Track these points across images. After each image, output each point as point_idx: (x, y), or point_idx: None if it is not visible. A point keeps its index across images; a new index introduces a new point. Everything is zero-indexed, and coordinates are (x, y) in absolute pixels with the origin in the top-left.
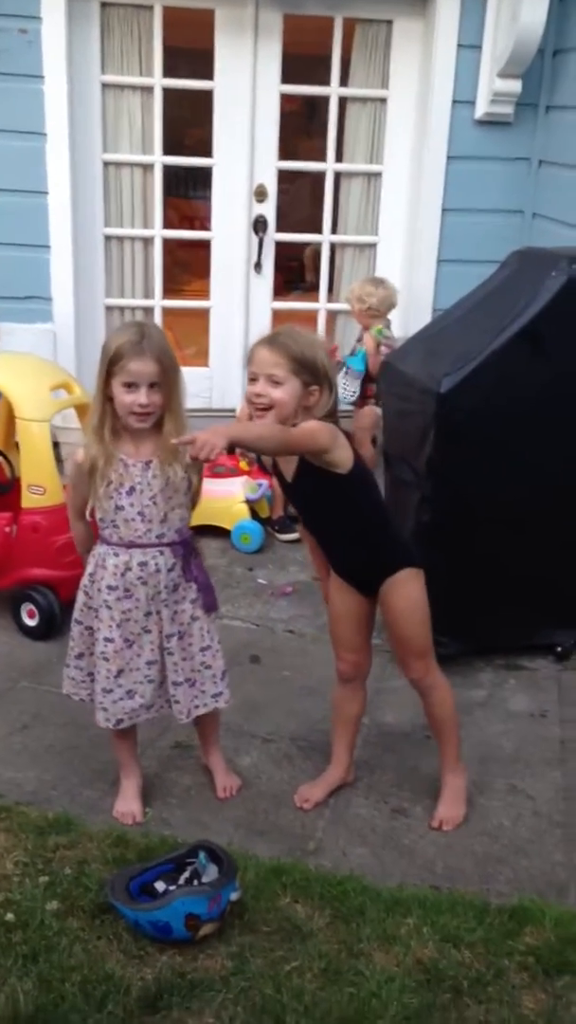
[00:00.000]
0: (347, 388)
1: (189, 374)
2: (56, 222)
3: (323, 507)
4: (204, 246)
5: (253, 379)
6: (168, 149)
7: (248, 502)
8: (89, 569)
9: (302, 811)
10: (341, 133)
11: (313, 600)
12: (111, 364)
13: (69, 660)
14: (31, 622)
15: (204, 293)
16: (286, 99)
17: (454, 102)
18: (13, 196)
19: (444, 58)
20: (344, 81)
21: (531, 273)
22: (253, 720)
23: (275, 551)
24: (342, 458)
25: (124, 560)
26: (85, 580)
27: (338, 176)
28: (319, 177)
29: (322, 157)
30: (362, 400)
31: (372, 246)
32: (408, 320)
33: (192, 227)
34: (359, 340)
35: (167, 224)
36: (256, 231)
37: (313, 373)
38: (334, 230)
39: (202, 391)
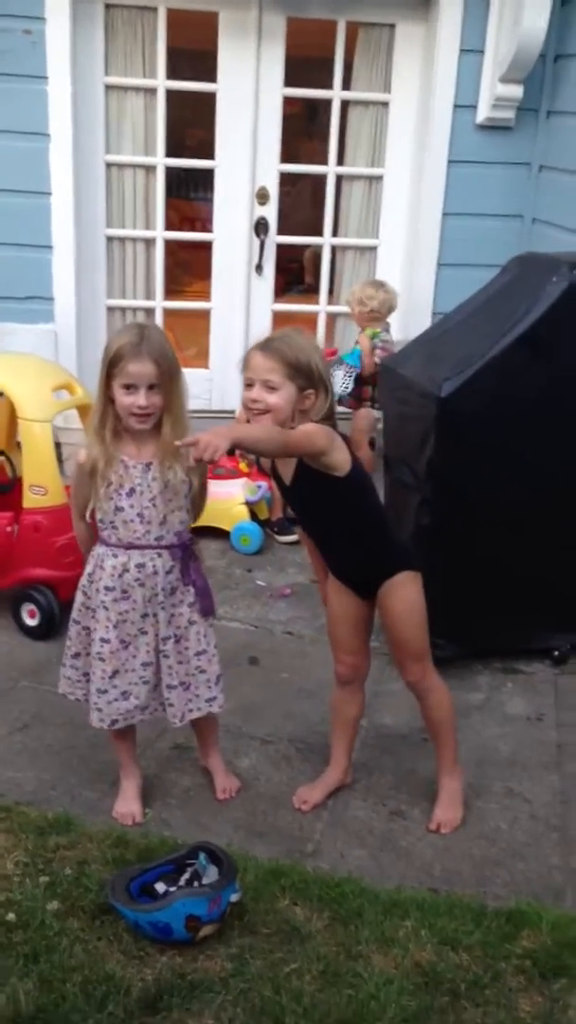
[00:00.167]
0: (341, 382)
1: (189, 375)
2: (58, 223)
3: (321, 510)
4: (205, 247)
5: (249, 385)
6: (170, 151)
7: (247, 504)
8: (88, 569)
9: (300, 813)
10: (343, 136)
11: (311, 602)
12: (111, 366)
13: (66, 659)
14: (31, 622)
15: (205, 294)
16: (288, 102)
17: (455, 106)
18: (16, 196)
19: (446, 62)
20: (346, 84)
21: (532, 279)
22: (252, 722)
23: (274, 553)
24: (339, 461)
25: (122, 561)
26: (84, 580)
27: (339, 179)
28: (320, 180)
29: (323, 160)
30: (358, 403)
31: (373, 249)
32: (408, 323)
33: (193, 228)
34: (357, 343)
35: (168, 225)
36: (257, 233)
37: (308, 377)
38: (335, 233)
39: (202, 392)
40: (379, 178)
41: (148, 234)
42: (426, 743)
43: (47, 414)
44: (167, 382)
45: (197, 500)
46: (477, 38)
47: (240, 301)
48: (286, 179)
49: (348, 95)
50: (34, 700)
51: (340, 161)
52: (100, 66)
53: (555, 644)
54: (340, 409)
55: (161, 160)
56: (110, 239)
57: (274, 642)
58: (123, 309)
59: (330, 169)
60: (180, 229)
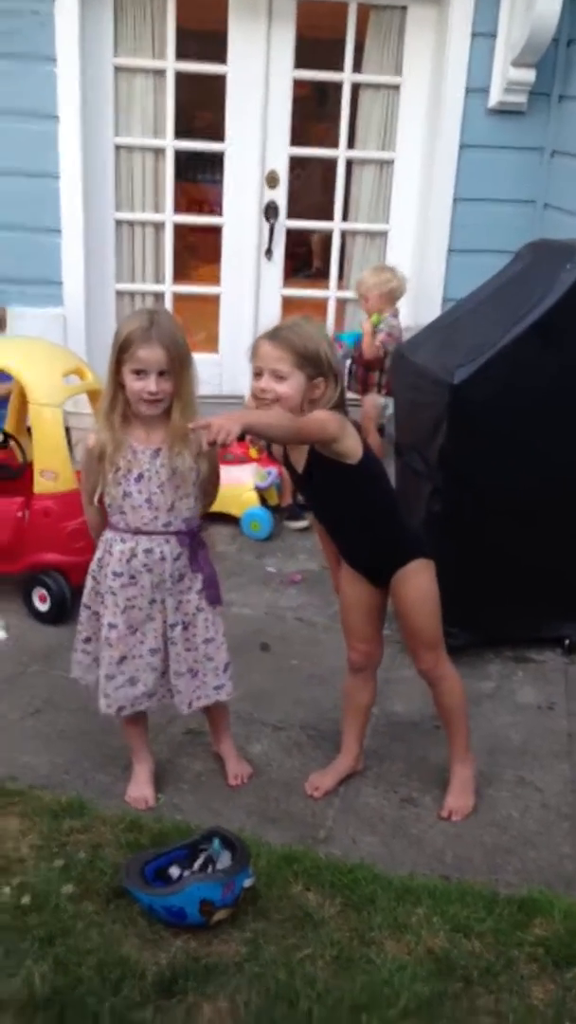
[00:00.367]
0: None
1: (198, 360)
2: (67, 206)
3: (333, 498)
4: (214, 231)
5: (258, 374)
6: (179, 133)
7: (258, 490)
8: (97, 555)
9: (312, 799)
10: (353, 120)
11: (322, 588)
12: (121, 351)
13: (77, 644)
14: (42, 607)
15: (213, 278)
16: (298, 84)
17: (467, 90)
18: (24, 179)
19: (458, 46)
20: (357, 67)
21: (545, 266)
22: (263, 708)
23: (284, 539)
24: (351, 448)
25: (130, 547)
26: (93, 565)
27: (350, 163)
28: (329, 163)
29: (333, 143)
30: (364, 388)
31: (383, 234)
32: (418, 309)
33: (201, 211)
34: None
35: (176, 208)
36: (267, 217)
37: (317, 366)
38: (345, 217)
39: (211, 377)
40: (390, 162)
41: (157, 217)
42: (437, 730)
43: (58, 399)
44: (177, 368)
45: (209, 487)
46: (489, 21)
47: (250, 286)
48: (296, 163)
49: (359, 78)
50: (46, 685)
51: (351, 145)
52: (109, 47)
53: (565, 633)
54: (349, 396)
55: (170, 143)
56: (119, 222)
57: (285, 628)
58: (132, 293)
59: (340, 153)
60: (188, 212)
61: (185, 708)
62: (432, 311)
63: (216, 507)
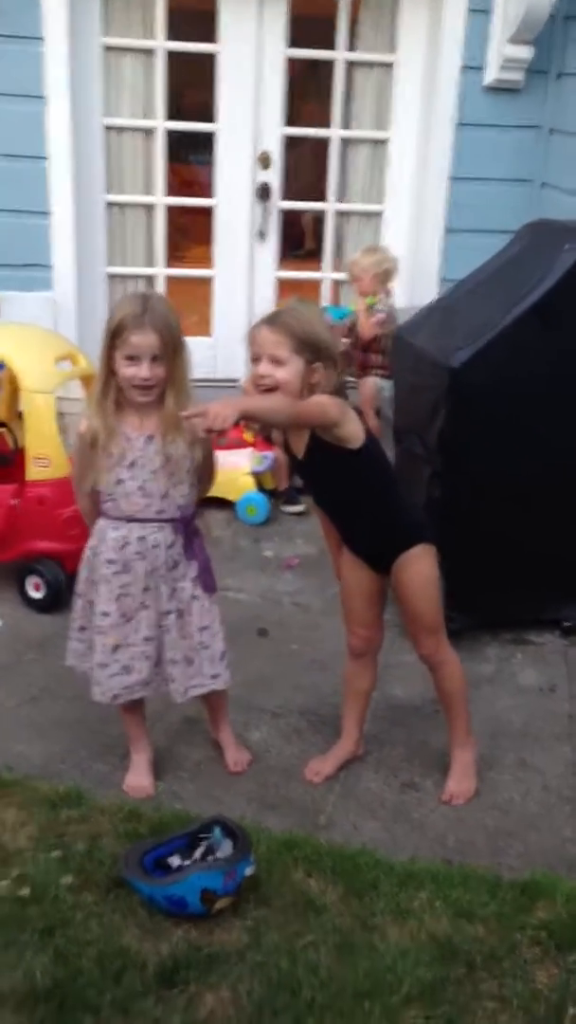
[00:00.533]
0: None
1: (191, 343)
2: (56, 188)
3: (334, 483)
4: (205, 212)
5: (256, 360)
6: (170, 113)
7: (254, 474)
8: (91, 542)
9: (312, 785)
10: (347, 98)
11: (320, 572)
12: (113, 336)
13: (72, 632)
14: (37, 595)
15: (205, 260)
16: (291, 63)
17: (463, 68)
18: (12, 161)
19: (453, 22)
20: (351, 45)
21: (544, 247)
22: (262, 694)
23: (281, 523)
24: (353, 433)
25: (123, 534)
26: (87, 553)
27: (344, 143)
28: (321, 143)
29: (326, 122)
30: (362, 371)
31: (378, 214)
32: (414, 290)
33: (192, 192)
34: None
35: (167, 189)
36: (260, 198)
37: (316, 351)
38: (339, 198)
39: (205, 360)
40: (384, 142)
41: (148, 199)
42: (437, 715)
43: (50, 385)
44: (170, 354)
45: (205, 473)
46: None
47: (243, 268)
48: (289, 143)
49: (352, 56)
50: (42, 673)
51: (345, 124)
52: (98, 27)
53: (565, 615)
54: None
55: (161, 123)
56: (109, 205)
57: (283, 613)
58: (123, 276)
59: (334, 132)
60: (179, 192)
61: (180, 696)
62: (428, 291)
63: (212, 492)
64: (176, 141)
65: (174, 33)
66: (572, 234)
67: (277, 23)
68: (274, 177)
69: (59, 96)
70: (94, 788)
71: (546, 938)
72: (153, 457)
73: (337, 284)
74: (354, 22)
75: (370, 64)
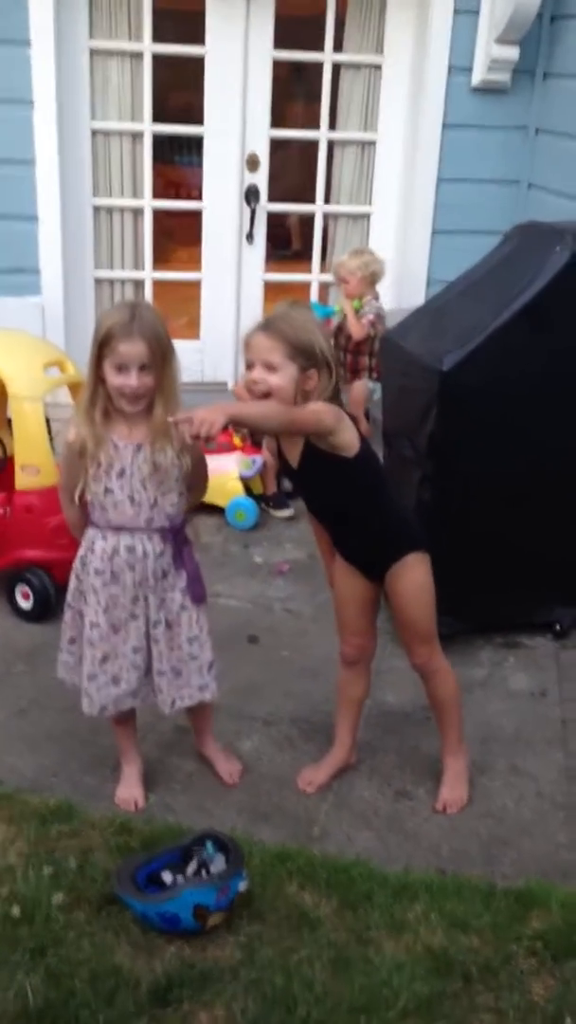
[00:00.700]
0: None
1: (179, 347)
2: (43, 192)
3: (329, 492)
4: (193, 214)
5: (249, 366)
6: (157, 116)
7: (242, 479)
8: (80, 552)
9: (305, 794)
10: (335, 100)
11: (311, 578)
12: (102, 345)
13: (62, 645)
14: (26, 604)
15: (192, 263)
16: (277, 64)
17: (450, 68)
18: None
19: (440, 23)
20: (338, 47)
21: (534, 249)
22: (252, 702)
23: (271, 528)
24: (348, 440)
25: (112, 544)
26: (76, 564)
27: (331, 144)
28: (309, 145)
29: (313, 124)
30: (353, 374)
31: (366, 216)
32: (402, 291)
33: (179, 194)
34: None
35: (153, 190)
36: (248, 201)
37: (310, 357)
38: (327, 200)
39: (193, 364)
40: (372, 143)
41: (136, 203)
42: (429, 721)
43: (38, 392)
44: (159, 362)
45: (195, 481)
46: None
47: (231, 271)
48: (277, 145)
49: (340, 58)
50: (31, 685)
51: (332, 126)
52: (84, 30)
53: (557, 618)
54: None
55: (148, 126)
56: (97, 208)
57: (273, 620)
58: (111, 281)
59: (322, 134)
60: (166, 194)
61: (167, 708)
62: (417, 293)
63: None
64: (163, 143)
65: (160, 36)
66: (561, 236)
67: (264, 25)
68: (262, 180)
69: (46, 100)
70: (85, 801)
71: (542, 948)
72: (142, 466)
73: (325, 287)
74: (341, 24)
75: (357, 66)
